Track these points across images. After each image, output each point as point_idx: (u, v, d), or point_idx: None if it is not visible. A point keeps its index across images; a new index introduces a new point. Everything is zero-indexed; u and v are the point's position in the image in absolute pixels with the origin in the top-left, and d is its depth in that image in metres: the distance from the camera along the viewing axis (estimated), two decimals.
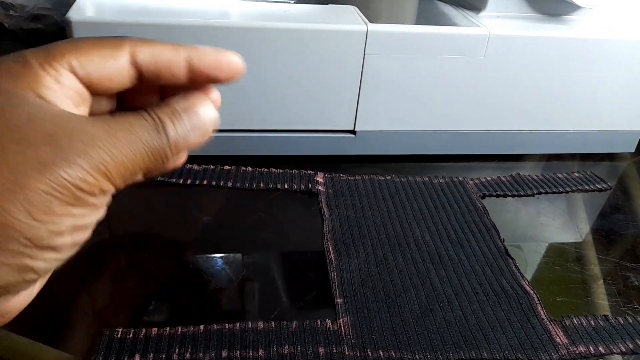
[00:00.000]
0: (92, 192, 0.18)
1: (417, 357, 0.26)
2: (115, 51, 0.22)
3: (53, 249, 0.18)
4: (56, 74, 0.20)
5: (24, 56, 0.19)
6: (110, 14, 0.35)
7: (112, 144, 0.18)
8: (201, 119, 0.22)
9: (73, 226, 0.18)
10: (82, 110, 0.22)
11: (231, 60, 0.24)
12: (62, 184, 0.17)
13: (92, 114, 0.22)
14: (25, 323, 0.26)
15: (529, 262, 0.34)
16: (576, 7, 0.43)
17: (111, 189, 0.19)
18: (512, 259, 0.33)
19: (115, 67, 0.22)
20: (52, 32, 0.54)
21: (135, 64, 0.22)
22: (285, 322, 0.27)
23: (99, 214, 0.19)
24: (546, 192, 0.40)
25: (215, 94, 0.23)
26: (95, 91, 0.22)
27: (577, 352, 0.27)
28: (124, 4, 0.36)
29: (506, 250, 0.33)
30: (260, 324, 0.27)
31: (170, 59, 0.22)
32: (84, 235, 0.19)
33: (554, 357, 0.27)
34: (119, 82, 0.22)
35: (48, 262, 0.18)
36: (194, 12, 0.36)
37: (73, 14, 0.33)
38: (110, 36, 0.22)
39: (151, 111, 0.21)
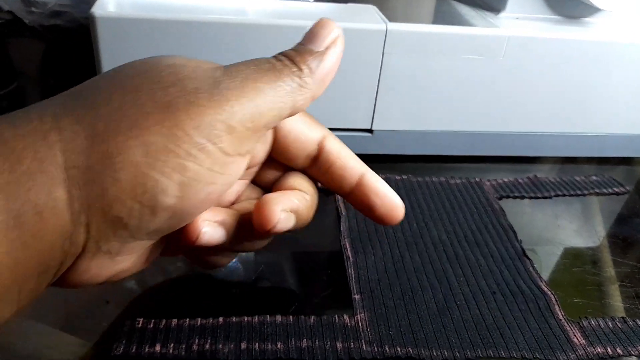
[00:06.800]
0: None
1: (435, 354, 0.26)
2: (314, 128, 0.24)
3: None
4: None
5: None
6: (132, 10, 0.35)
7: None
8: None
9: None
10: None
11: (397, 203, 0.24)
12: None
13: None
14: (47, 312, 0.26)
15: (545, 263, 0.34)
16: (595, 10, 0.43)
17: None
18: (529, 260, 0.33)
19: (307, 142, 0.24)
20: (71, 28, 0.54)
21: (320, 150, 0.24)
22: (303, 317, 0.27)
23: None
24: (563, 195, 0.40)
25: None
26: (279, 153, 0.24)
27: (595, 353, 0.27)
28: (145, 1, 0.36)
29: (523, 251, 0.33)
30: (279, 318, 0.27)
31: (343, 168, 0.24)
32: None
33: (571, 357, 0.27)
34: (303, 155, 0.24)
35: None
36: (212, 9, 0.36)
37: (97, 10, 0.33)
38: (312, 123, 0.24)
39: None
